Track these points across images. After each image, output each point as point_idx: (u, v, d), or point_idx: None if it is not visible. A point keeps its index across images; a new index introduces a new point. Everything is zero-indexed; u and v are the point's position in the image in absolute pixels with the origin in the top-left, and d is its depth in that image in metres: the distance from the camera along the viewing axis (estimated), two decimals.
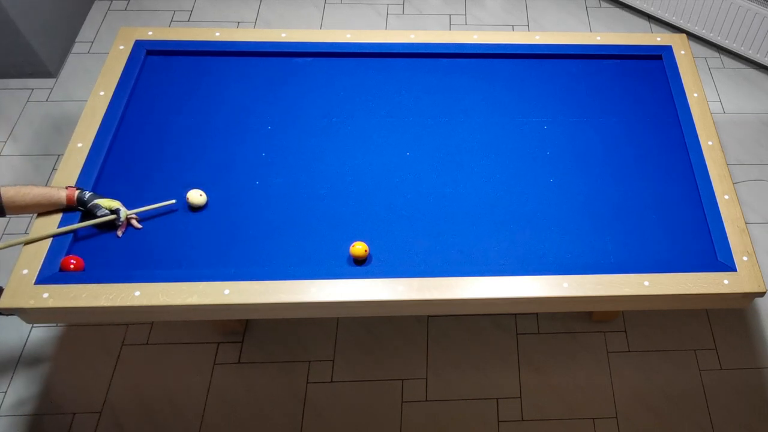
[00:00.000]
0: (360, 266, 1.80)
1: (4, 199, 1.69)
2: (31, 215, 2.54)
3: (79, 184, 1.88)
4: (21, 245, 1.75)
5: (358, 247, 1.78)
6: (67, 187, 1.81)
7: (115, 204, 1.80)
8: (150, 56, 2.24)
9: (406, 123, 2.14)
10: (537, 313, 2.42)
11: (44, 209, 1.80)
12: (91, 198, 1.80)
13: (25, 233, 2.51)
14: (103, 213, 1.79)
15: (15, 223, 2.54)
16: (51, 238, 1.77)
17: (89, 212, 1.80)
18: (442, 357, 2.31)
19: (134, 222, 1.84)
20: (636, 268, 1.81)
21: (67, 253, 1.76)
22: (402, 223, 1.90)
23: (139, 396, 2.19)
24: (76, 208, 1.82)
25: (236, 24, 3.29)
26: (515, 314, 2.42)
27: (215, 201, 1.92)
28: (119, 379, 2.22)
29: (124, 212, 1.80)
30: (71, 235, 1.79)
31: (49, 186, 1.81)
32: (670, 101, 2.24)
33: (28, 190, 1.74)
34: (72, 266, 1.73)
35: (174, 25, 3.26)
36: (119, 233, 1.81)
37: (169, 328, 2.33)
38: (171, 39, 2.26)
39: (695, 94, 2.23)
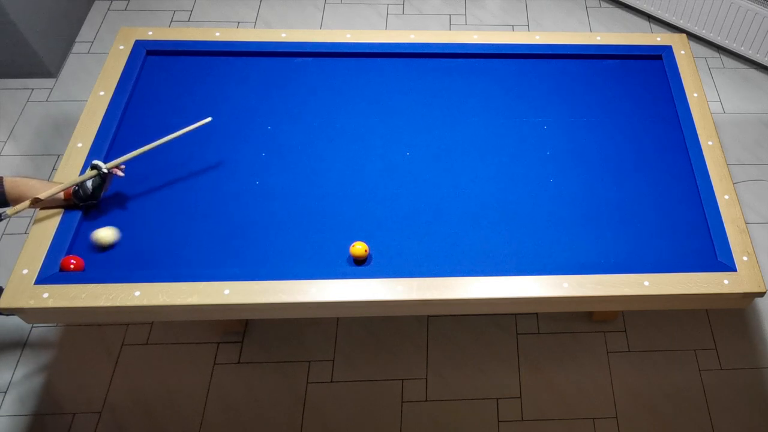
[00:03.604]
0: (360, 266, 1.80)
1: (6, 185, 1.71)
2: (31, 214, 2.55)
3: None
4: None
5: (358, 247, 1.78)
6: None
7: (93, 171, 1.80)
8: (150, 56, 2.24)
9: (406, 123, 2.14)
10: (537, 313, 2.42)
11: (52, 202, 1.80)
12: (83, 189, 1.80)
13: (25, 233, 2.51)
14: (92, 182, 1.80)
15: (15, 222, 2.54)
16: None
17: (86, 198, 1.80)
18: (442, 357, 2.31)
19: (117, 171, 1.84)
20: (636, 268, 1.81)
21: (68, 253, 1.76)
22: (402, 223, 1.90)
23: (139, 396, 2.19)
24: (76, 205, 1.82)
25: (236, 24, 3.29)
26: (515, 314, 2.42)
27: (215, 201, 1.92)
28: (119, 379, 2.22)
29: (103, 165, 1.79)
30: (72, 234, 1.79)
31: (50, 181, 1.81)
32: (670, 101, 2.24)
33: (33, 182, 1.76)
34: (72, 266, 1.73)
35: (174, 25, 3.26)
36: (119, 174, 1.83)
37: (169, 328, 2.33)
38: (171, 39, 2.26)
39: (695, 94, 2.23)
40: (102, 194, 1.84)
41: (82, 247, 1.80)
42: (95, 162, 1.79)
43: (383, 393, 2.23)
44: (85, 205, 1.83)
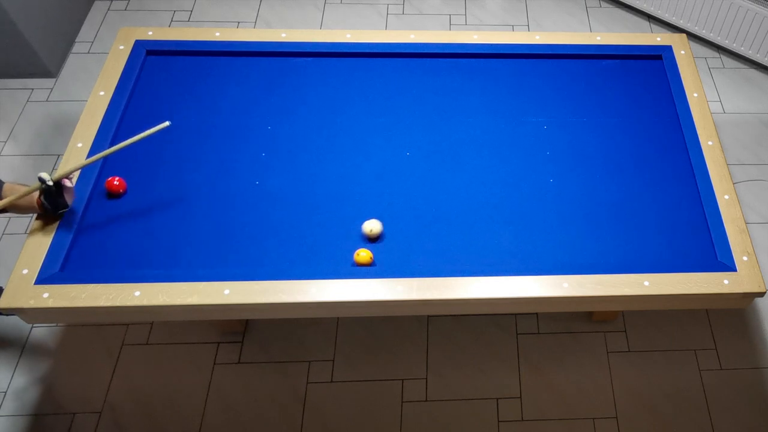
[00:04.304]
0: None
1: (5, 191, 1.70)
2: (30, 214, 2.55)
3: (79, 185, 1.87)
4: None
5: (362, 255, 1.77)
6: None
7: (37, 184, 1.71)
8: (150, 56, 2.24)
9: (406, 123, 2.14)
10: (537, 313, 2.43)
11: (29, 210, 1.75)
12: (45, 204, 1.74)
13: (25, 233, 2.51)
14: (44, 197, 1.72)
15: (15, 222, 2.55)
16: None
17: (54, 209, 1.74)
18: (442, 357, 2.31)
19: (66, 181, 1.74)
20: (636, 268, 1.81)
21: (68, 253, 1.76)
22: (402, 223, 1.90)
23: (139, 396, 2.19)
24: (53, 213, 1.77)
25: (236, 24, 3.29)
26: (515, 314, 2.42)
27: (215, 201, 1.92)
28: (119, 379, 2.22)
29: (47, 178, 1.69)
30: (73, 232, 1.79)
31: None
32: (670, 101, 2.24)
33: (19, 187, 1.72)
34: (116, 185, 1.86)
35: (174, 25, 3.26)
36: (68, 184, 1.74)
37: (169, 328, 2.33)
38: (171, 39, 2.26)
39: (695, 94, 2.24)
40: (69, 203, 1.76)
41: (83, 247, 1.80)
42: (40, 175, 1.69)
43: (383, 393, 2.23)
44: (58, 214, 1.77)
